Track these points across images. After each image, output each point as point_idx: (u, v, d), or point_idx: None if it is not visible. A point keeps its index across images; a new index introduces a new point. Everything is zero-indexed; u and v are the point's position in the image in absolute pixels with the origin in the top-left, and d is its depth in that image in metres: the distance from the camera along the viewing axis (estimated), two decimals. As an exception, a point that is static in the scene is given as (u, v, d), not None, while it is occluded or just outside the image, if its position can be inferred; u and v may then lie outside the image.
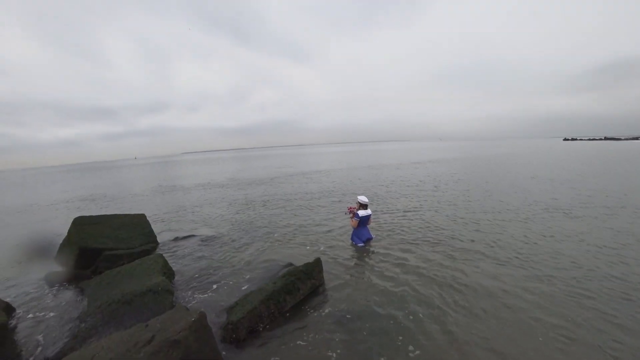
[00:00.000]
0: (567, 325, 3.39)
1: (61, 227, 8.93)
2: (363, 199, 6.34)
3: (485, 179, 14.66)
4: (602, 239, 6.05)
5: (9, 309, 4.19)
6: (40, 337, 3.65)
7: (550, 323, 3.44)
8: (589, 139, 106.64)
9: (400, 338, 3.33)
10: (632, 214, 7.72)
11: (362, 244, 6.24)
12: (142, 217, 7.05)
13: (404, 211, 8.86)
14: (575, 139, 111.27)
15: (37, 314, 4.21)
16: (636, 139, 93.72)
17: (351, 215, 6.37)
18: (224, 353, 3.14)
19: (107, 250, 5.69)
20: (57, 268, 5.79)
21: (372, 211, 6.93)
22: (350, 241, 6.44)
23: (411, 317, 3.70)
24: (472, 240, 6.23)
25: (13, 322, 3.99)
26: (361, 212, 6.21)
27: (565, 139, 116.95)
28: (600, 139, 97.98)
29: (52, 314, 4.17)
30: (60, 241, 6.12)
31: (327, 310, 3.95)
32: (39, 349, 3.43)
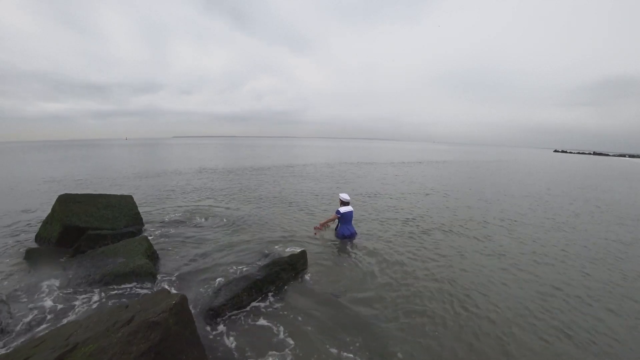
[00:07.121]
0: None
1: (45, 204, 8.76)
2: (344, 196, 6.35)
3: (471, 184, 14.93)
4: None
5: (-14, 283, 4.12)
6: (17, 314, 3.58)
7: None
8: (578, 152, 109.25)
9: (377, 325, 3.44)
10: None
11: (345, 237, 6.23)
12: (130, 198, 6.95)
13: (394, 210, 8.99)
14: (565, 152, 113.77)
15: (16, 292, 4.08)
16: (623, 156, 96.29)
17: (320, 227, 6.54)
18: (203, 337, 3.17)
19: (91, 230, 5.61)
20: (36, 245, 5.70)
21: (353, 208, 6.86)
22: (335, 233, 6.43)
23: (388, 306, 3.86)
24: (450, 232, 6.46)
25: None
26: (342, 209, 6.22)
27: (555, 151, 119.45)
28: (589, 154, 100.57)
29: (30, 292, 4.07)
30: (44, 217, 6.01)
31: (307, 297, 4.05)
32: (17, 326, 3.38)
